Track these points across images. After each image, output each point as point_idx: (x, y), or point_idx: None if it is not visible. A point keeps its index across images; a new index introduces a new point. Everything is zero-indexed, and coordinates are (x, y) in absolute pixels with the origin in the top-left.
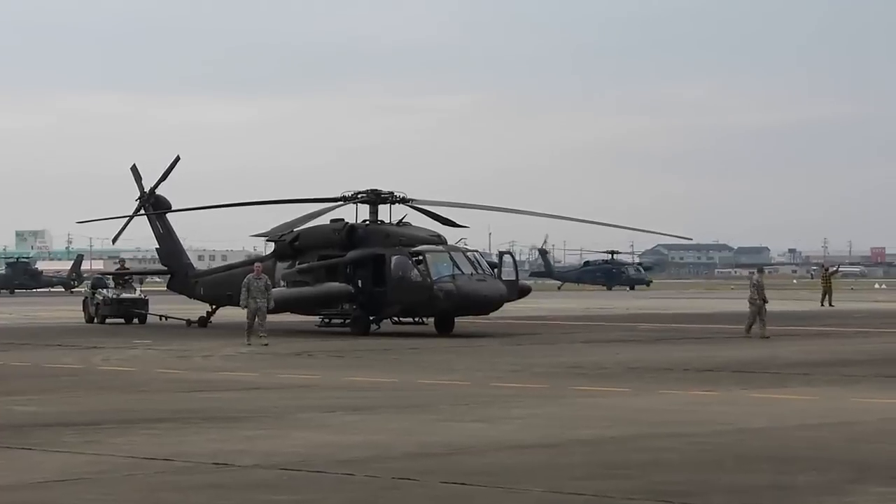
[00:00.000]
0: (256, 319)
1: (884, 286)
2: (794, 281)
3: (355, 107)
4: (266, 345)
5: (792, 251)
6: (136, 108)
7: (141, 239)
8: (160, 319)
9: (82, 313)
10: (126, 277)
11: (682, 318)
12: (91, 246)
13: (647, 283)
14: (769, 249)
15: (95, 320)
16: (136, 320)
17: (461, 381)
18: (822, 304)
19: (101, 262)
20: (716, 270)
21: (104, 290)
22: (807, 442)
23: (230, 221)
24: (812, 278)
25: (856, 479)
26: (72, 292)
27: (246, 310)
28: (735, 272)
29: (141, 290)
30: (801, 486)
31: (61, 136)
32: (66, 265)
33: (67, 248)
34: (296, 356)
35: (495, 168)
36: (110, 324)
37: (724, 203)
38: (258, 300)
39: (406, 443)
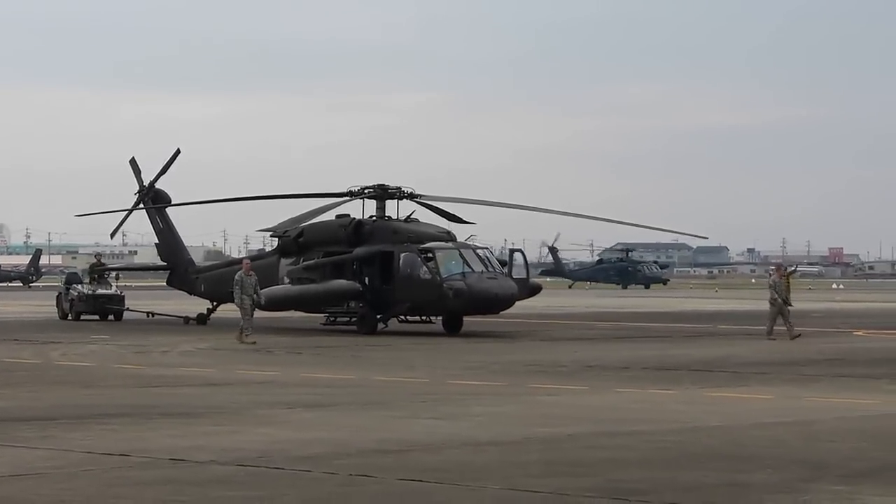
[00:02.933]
0: (249, 316)
1: (841, 286)
2: (753, 280)
3: (308, 105)
4: (254, 343)
5: (751, 251)
6: (95, 102)
7: (101, 234)
8: (147, 316)
9: (55, 308)
10: (102, 273)
11: (689, 318)
12: (49, 241)
13: (664, 282)
14: (728, 249)
15: (70, 317)
16: (111, 317)
17: (420, 379)
18: None
19: (60, 256)
20: (675, 270)
21: (78, 286)
22: (763, 440)
23: (186, 216)
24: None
25: (811, 478)
26: (30, 287)
27: (241, 308)
28: (693, 272)
29: (117, 287)
30: (757, 485)
31: (17, 130)
32: (25, 259)
33: (25, 242)
34: (254, 352)
35: (449, 167)
36: (84, 320)
37: (682, 203)
38: (252, 297)
39: (364, 439)
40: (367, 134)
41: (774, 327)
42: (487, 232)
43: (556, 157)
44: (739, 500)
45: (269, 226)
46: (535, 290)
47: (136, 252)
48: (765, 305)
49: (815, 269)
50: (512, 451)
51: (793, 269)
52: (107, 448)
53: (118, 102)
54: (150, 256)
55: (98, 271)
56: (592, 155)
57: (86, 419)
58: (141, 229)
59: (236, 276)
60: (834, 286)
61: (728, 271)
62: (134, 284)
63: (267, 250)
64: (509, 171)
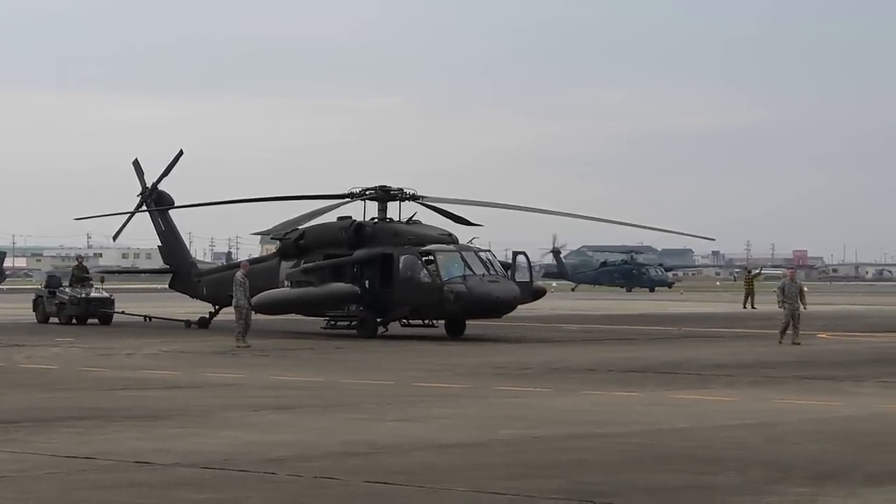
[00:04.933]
0: (244, 319)
1: (806, 289)
2: (718, 283)
3: (275, 107)
4: (248, 346)
5: (715, 253)
6: (60, 103)
7: (66, 236)
8: (145, 320)
9: (31, 312)
10: (85, 276)
11: (655, 320)
12: (14, 243)
13: (669, 285)
14: (693, 251)
15: (59, 320)
16: (96, 320)
17: (386, 381)
18: (745, 307)
19: (24, 259)
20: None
21: (66, 289)
22: (727, 442)
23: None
24: (735, 280)
25: (775, 480)
26: None
27: (240, 310)
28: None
29: (102, 289)
30: (722, 486)
31: None
32: None
33: None
34: (219, 355)
35: (416, 171)
36: (72, 325)
37: (645, 205)
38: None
39: (330, 442)
40: (331, 137)
41: (787, 330)
42: (491, 234)
43: (523, 160)
44: (704, 502)
45: (263, 229)
46: (539, 294)
47: (100, 255)
48: (723, 308)
49: (779, 271)
50: (477, 453)
51: (757, 271)
52: (71, 451)
53: (83, 103)
54: (115, 259)
55: (87, 276)
56: (560, 158)
57: (50, 422)
58: (106, 231)
59: (237, 277)
60: None
61: (693, 274)
62: (122, 287)
63: (256, 255)
64: (474, 174)
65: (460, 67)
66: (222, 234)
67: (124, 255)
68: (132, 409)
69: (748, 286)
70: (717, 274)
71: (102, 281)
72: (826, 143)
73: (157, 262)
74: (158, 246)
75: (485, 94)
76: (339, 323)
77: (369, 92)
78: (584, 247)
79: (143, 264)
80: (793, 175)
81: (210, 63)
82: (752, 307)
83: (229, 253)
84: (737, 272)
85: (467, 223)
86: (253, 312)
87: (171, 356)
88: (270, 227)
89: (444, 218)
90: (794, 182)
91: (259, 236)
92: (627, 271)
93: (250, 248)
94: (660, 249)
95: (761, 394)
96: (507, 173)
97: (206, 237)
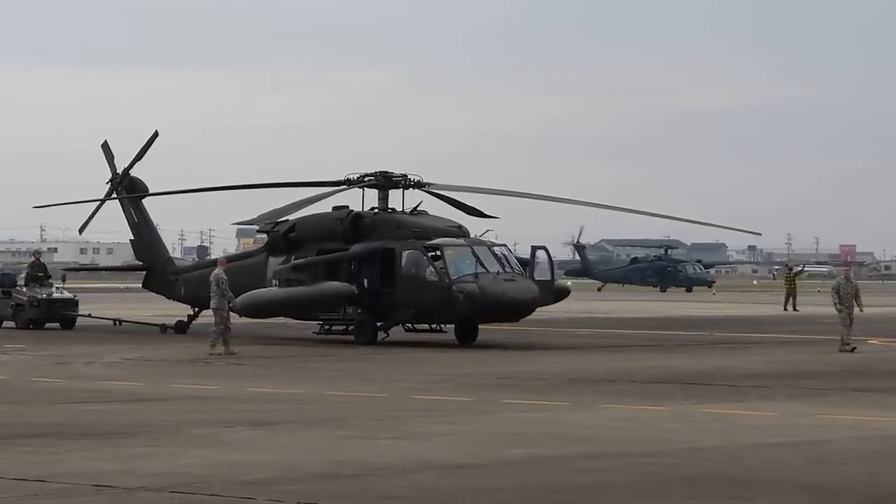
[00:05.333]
0: (224, 323)
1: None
2: (755, 282)
3: (244, 83)
4: (232, 353)
5: (752, 248)
6: (15, 76)
7: (12, 229)
8: (115, 325)
9: None
10: (41, 274)
11: (682, 324)
12: None
13: (709, 285)
14: (727, 246)
15: (15, 324)
16: (57, 324)
17: (377, 393)
18: (786, 309)
19: None
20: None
21: (23, 289)
22: (765, 463)
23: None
24: (774, 279)
25: None
26: None
27: (221, 312)
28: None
29: (65, 289)
30: None
31: None
32: None
33: None
34: (189, 364)
35: (401, 153)
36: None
37: (669, 194)
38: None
39: (313, 462)
40: (307, 115)
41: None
42: (507, 227)
43: (519, 142)
44: None
45: (244, 219)
46: (561, 294)
47: (55, 249)
48: (761, 311)
49: (824, 269)
50: (482, 475)
51: (799, 269)
52: (21, 472)
53: (41, 76)
54: (73, 254)
55: (46, 274)
56: (561, 139)
57: None
58: (62, 223)
59: (217, 275)
60: None
61: (727, 271)
62: (86, 287)
63: (233, 250)
64: (464, 157)
65: (447, 37)
66: (193, 225)
67: (82, 251)
68: (90, 425)
69: (789, 285)
70: (755, 271)
71: (64, 280)
72: (879, 123)
73: (120, 258)
74: (130, 240)
75: (475, 67)
76: (333, 327)
77: (351, 65)
78: (603, 241)
79: (104, 260)
80: (840, 159)
81: (183, 35)
82: (794, 309)
83: (203, 247)
84: (776, 269)
85: (481, 214)
86: (230, 315)
87: (135, 365)
88: (253, 216)
89: (454, 208)
90: (841, 167)
91: (236, 228)
92: (661, 269)
93: (225, 243)
94: (689, 244)
95: (803, 408)
96: (501, 156)
97: (174, 229)
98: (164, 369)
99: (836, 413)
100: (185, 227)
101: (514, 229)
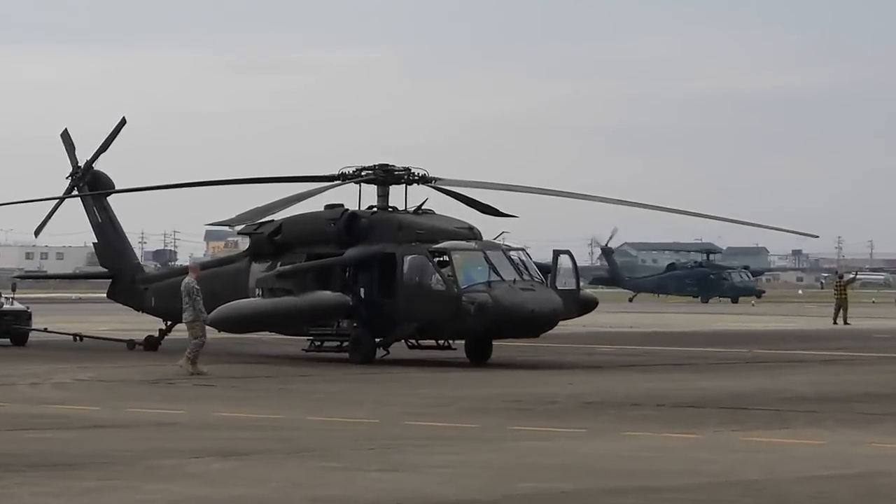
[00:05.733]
0: (200, 338)
1: None
2: (800, 291)
3: (206, 64)
4: (203, 373)
5: (796, 253)
6: None
7: None
8: (75, 340)
9: None
10: None
11: (718, 340)
12: None
13: (758, 295)
14: (767, 250)
15: None
16: (8, 340)
17: (367, 419)
18: (835, 322)
19: None
20: None
21: None
22: (811, 499)
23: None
24: (822, 288)
25: None
26: None
27: (197, 325)
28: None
29: (15, 299)
30: None
31: None
32: None
33: None
34: (151, 384)
35: (392, 143)
36: None
37: (701, 190)
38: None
39: (294, 498)
40: (276, 100)
41: None
42: (524, 228)
43: (526, 130)
44: None
45: (218, 218)
46: (588, 306)
47: None
48: (807, 324)
49: (879, 276)
50: None
51: (851, 276)
52: None
53: None
54: (17, 259)
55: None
56: (575, 127)
57: None
58: (4, 224)
59: (188, 284)
60: None
61: (768, 279)
62: (37, 297)
63: (201, 255)
64: (463, 147)
65: (447, 14)
66: (156, 226)
67: (28, 255)
68: (36, 455)
69: (840, 295)
70: (800, 279)
71: (14, 289)
72: None
73: (71, 264)
74: (94, 243)
75: (475, 45)
76: (325, 344)
77: (336, 44)
78: (626, 244)
79: (53, 266)
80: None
81: (150, 11)
82: (845, 322)
83: (164, 251)
84: (825, 277)
85: (497, 213)
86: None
87: (89, 386)
88: (232, 216)
89: (467, 206)
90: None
91: (205, 231)
92: (703, 277)
93: (192, 246)
94: (724, 248)
95: (856, 435)
96: (506, 147)
97: (134, 231)
98: (122, 391)
99: (894, 442)
100: (147, 228)
101: (531, 231)
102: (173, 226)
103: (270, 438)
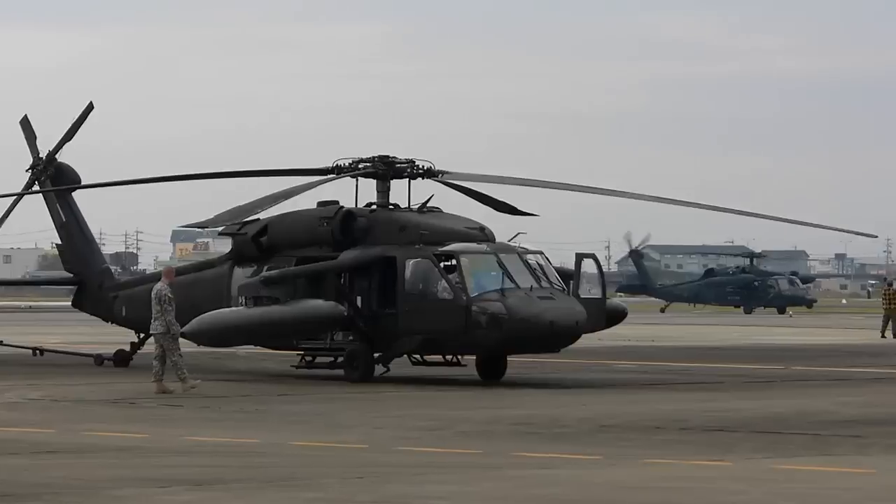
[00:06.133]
0: (178, 352)
1: None
2: (844, 301)
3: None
4: (193, 386)
5: (840, 257)
6: None
7: None
8: (34, 354)
9: None
10: None
11: (750, 356)
12: None
13: (809, 304)
14: (807, 254)
15: None
16: None
17: (355, 444)
18: (884, 335)
19: None
20: None
21: None
22: None
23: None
24: (869, 297)
25: None
26: None
27: (167, 339)
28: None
29: None
30: None
31: None
32: None
33: None
34: (112, 404)
35: (390, 135)
36: None
37: (734, 186)
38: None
39: None
40: (270, 84)
41: None
42: (542, 229)
43: (536, 119)
44: None
45: (198, 219)
46: (616, 316)
47: None
48: (852, 337)
49: None
50: None
51: None
52: None
53: None
54: None
55: None
56: (583, 116)
57: None
58: None
59: (158, 290)
60: None
61: (808, 286)
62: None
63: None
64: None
65: None
66: (115, 226)
67: None
68: None
69: (889, 305)
70: (843, 287)
71: None
72: None
73: (20, 268)
74: (57, 245)
75: (484, 26)
76: (317, 359)
77: (327, 17)
78: (647, 246)
79: (1, 272)
80: None
81: None
82: (895, 336)
83: (129, 254)
84: (872, 284)
85: (515, 211)
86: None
87: (41, 407)
88: (208, 215)
89: (481, 204)
90: None
91: (170, 232)
92: (746, 284)
93: (157, 248)
94: (759, 252)
95: None
96: (520, 137)
97: (93, 231)
98: (79, 411)
99: None
100: (106, 227)
101: (548, 232)
102: (135, 226)
103: (245, 466)
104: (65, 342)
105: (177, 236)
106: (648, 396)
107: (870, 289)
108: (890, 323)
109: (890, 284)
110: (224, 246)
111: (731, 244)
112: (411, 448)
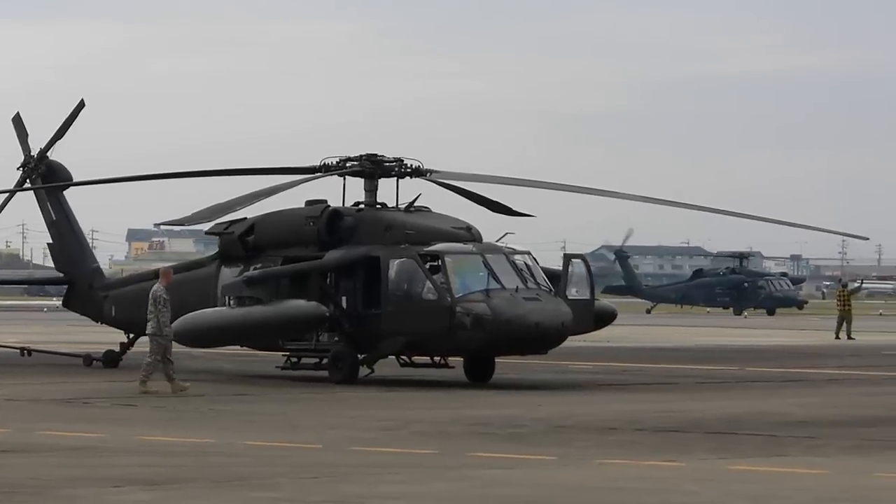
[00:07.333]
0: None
1: None
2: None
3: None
4: (186, 388)
5: (795, 258)
6: None
7: None
8: (22, 354)
9: None
10: None
11: (705, 357)
12: None
13: (800, 306)
14: (762, 255)
15: None
16: None
17: (309, 444)
18: (838, 336)
19: None
20: None
21: None
22: None
23: None
24: (824, 298)
25: None
26: None
27: (160, 339)
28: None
29: None
30: None
31: None
32: None
33: None
34: (66, 403)
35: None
36: None
37: (692, 184)
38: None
39: None
40: (234, 80)
41: None
42: (531, 229)
43: (498, 116)
44: None
45: (176, 217)
46: (605, 317)
47: None
48: (807, 339)
49: (887, 285)
50: None
51: (856, 285)
52: None
53: None
54: None
55: None
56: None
57: None
58: None
59: (154, 292)
60: None
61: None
62: None
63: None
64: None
65: None
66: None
67: None
68: None
69: (843, 307)
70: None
71: None
72: None
73: None
74: (49, 244)
75: (451, 20)
76: (302, 360)
77: (295, 13)
78: (603, 247)
79: None
80: None
81: None
82: (849, 337)
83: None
84: (827, 286)
85: (510, 212)
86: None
87: None
88: (167, 216)
89: (474, 204)
90: None
91: (126, 230)
92: (736, 285)
93: (113, 247)
94: (714, 252)
95: (861, 464)
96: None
97: (43, 230)
98: (34, 411)
99: None
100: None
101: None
102: (91, 224)
103: (199, 465)
104: (53, 342)
105: (132, 235)
106: (603, 397)
107: (824, 290)
108: (844, 324)
109: (845, 286)
110: (179, 245)
111: (686, 244)
112: (366, 448)
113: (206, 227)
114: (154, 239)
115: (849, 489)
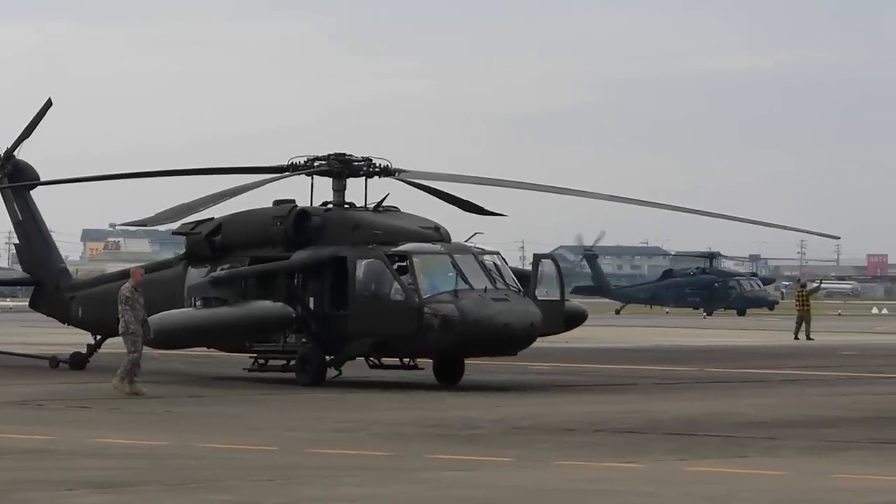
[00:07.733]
0: (137, 352)
1: (885, 311)
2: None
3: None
4: (144, 393)
5: (754, 258)
6: None
7: None
8: None
9: None
10: None
11: (664, 357)
12: None
13: (770, 306)
14: (721, 255)
15: None
16: None
17: (265, 446)
18: (797, 337)
19: None
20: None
21: None
22: None
23: None
24: (783, 298)
25: None
26: None
27: (132, 338)
28: None
29: None
30: None
31: None
32: None
33: None
34: (18, 406)
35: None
36: None
37: (648, 185)
38: (144, 324)
39: None
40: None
41: None
42: (509, 230)
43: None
44: None
45: (139, 217)
46: (575, 318)
47: None
48: (765, 339)
49: (846, 286)
50: None
51: (815, 285)
52: None
53: None
54: None
55: None
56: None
57: None
58: None
59: (124, 292)
60: (875, 310)
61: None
62: None
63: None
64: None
65: None
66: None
67: None
68: None
69: (802, 307)
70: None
71: None
72: None
73: None
74: (15, 244)
75: (416, 20)
76: (269, 362)
77: (261, 14)
78: (562, 247)
79: None
80: (865, 148)
81: None
82: (808, 337)
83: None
84: (786, 287)
85: (482, 211)
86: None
87: None
88: (147, 215)
89: (445, 203)
90: (866, 158)
91: (81, 230)
92: (707, 285)
93: (67, 248)
94: (672, 252)
95: (819, 465)
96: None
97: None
98: None
99: (862, 472)
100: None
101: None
102: (46, 224)
103: (153, 468)
104: (23, 343)
105: (87, 235)
106: (561, 399)
107: (783, 290)
108: (803, 324)
109: (803, 286)
110: (135, 245)
111: (645, 244)
112: (322, 450)
113: (164, 227)
114: (109, 239)
115: (807, 490)
